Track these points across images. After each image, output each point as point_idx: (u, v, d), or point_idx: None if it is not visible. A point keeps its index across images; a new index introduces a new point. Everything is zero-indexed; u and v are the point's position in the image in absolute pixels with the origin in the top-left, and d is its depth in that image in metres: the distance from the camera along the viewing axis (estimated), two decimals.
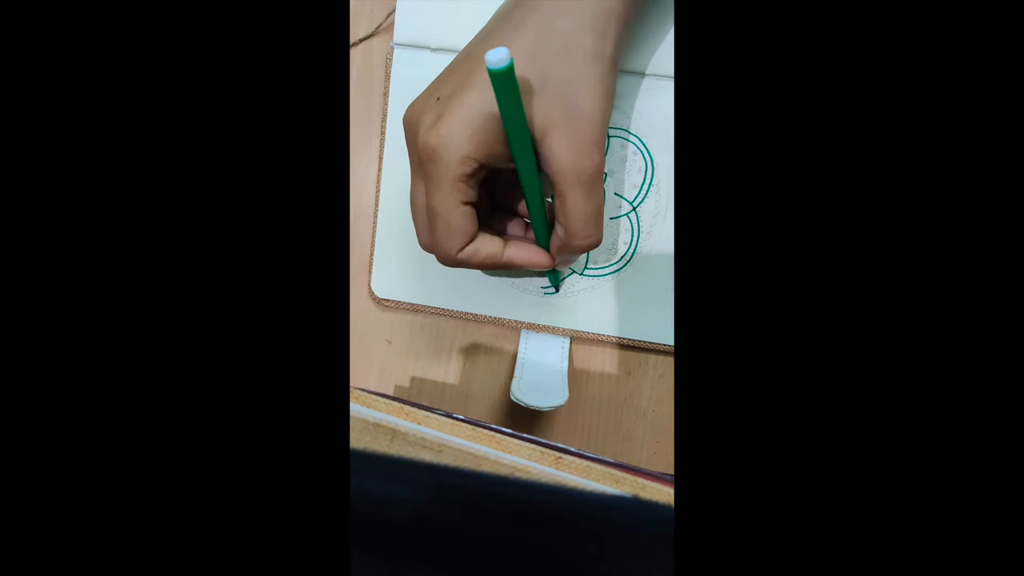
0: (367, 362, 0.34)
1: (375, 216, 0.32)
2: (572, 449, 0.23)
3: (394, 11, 0.31)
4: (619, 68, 0.30)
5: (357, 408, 0.20)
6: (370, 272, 0.33)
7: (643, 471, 0.22)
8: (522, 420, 0.34)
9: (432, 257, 0.30)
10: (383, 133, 0.32)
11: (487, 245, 0.26)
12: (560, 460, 0.20)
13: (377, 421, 0.20)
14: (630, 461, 0.33)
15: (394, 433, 0.20)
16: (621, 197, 0.31)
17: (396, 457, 0.20)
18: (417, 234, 0.26)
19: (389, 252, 0.32)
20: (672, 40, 0.29)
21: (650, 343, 0.32)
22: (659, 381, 0.33)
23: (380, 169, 0.32)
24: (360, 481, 0.19)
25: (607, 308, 0.32)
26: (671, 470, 0.32)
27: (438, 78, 0.25)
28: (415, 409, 0.21)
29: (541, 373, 0.32)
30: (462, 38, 0.26)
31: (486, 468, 0.20)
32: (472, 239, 0.25)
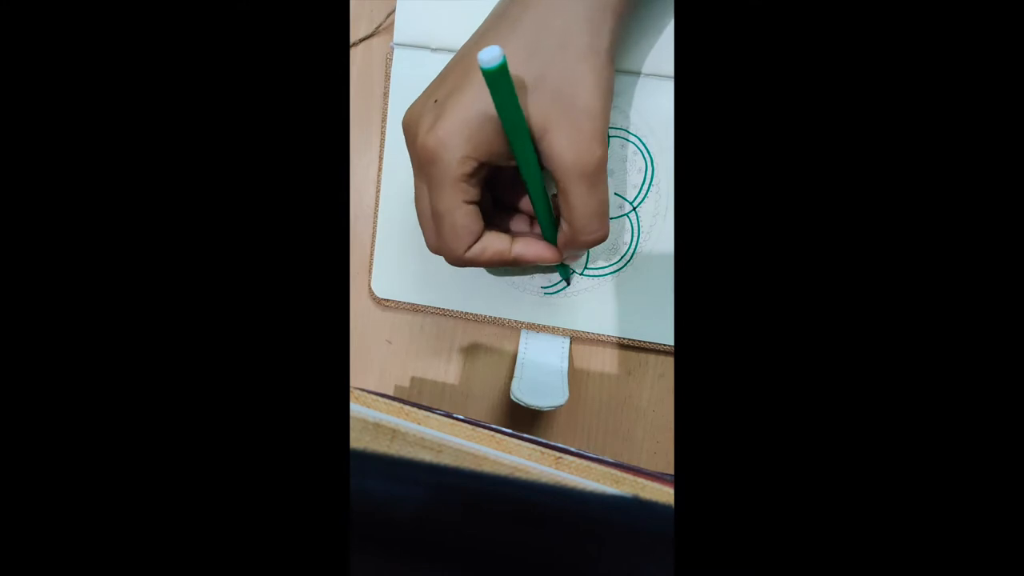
0: (367, 362, 0.34)
1: (375, 216, 0.32)
2: (572, 449, 0.23)
3: (394, 11, 0.31)
4: (620, 68, 0.30)
5: (357, 408, 0.20)
6: (370, 272, 0.33)
7: (643, 471, 0.22)
8: (522, 420, 0.34)
9: (432, 257, 0.30)
10: (383, 133, 0.32)
11: (494, 243, 0.26)
12: (560, 460, 0.20)
13: (377, 421, 0.20)
14: (630, 461, 0.33)
15: (394, 433, 0.20)
16: (621, 197, 0.31)
17: (396, 457, 0.20)
18: (424, 237, 0.26)
19: (389, 252, 0.32)
20: (672, 40, 0.29)
21: (650, 343, 0.32)
22: (659, 381, 0.33)
23: (380, 169, 0.32)
24: (360, 481, 0.19)
25: (607, 308, 0.32)
26: (671, 470, 0.32)
27: (436, 80, 0.25)
28: (415, 409, 0.21)
29: (541, 373, 0.32)
30: (462, 38, 0.26)
31: (486, 468, 0.20)
32: (478, 238, 0.25)
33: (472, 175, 0.24)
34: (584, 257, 0.32)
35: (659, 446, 0.33)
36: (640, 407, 0.33)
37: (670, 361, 0.33)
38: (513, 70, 0.22)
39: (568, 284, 0.32)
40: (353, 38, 0.32)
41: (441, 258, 0.30)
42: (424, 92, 0.25)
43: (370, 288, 0.33)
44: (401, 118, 0.26)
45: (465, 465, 0.20)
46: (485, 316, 0.32)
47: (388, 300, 0.33)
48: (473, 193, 0.24)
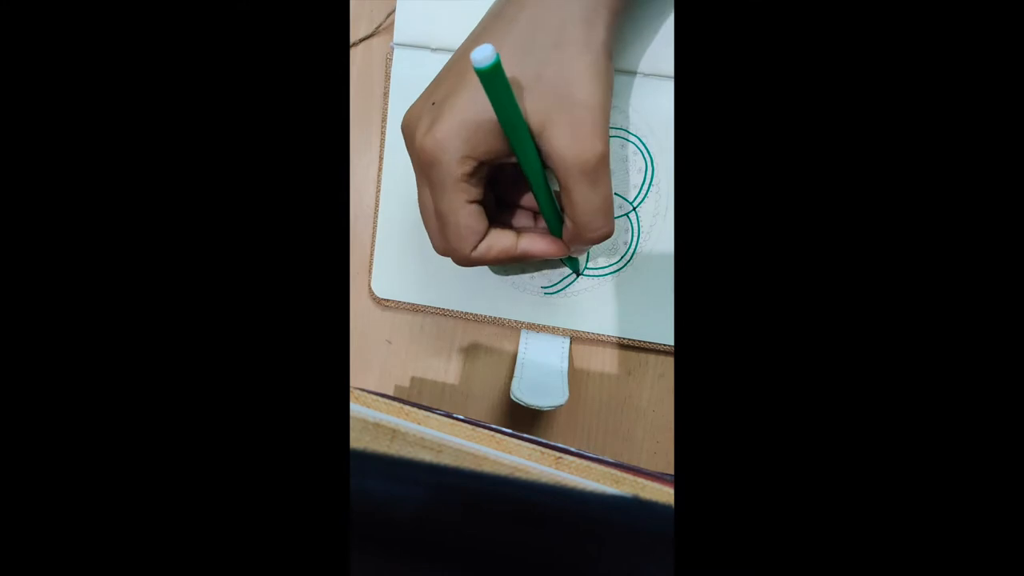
0: (367, 362, 0.34)
1: (375, 216, 0.32)
2: (572, 449, 0.23)
3: (394, 11, 0.31)
4: (620, 68, 0.30)
5: (357, 408, 0.20)
6: (370, 272, 0.33)
7: (643, 471, 0.22)
8: (522, 420, 0.34)
9: (432, 257, 0.30)
10: (383, 133, 0.32)
11: (500, 240, 0.26)
12: (560, 460, 0.20)
13: (377, 421, 0.20)
14: (630, 461, 0.33)
15: (394, 433, 0.20)
16: (621, 197, 0.31)
17: (396, 457, 0.20)
18: (430, 239, 0.26)
19: (389, 252, 0.32)
20: (671, 40, 0.29)
21: (650, 343, 0.32)
22: (659, 381, 0.33)
23: (380, 169, 0.32)
24: (360, 481, 0.19)
25: (607, 308, 0.32)
26: (671, 470, 0.32)
27: (433, 81, 0.25)
28: (415, 409, 0.21)
29: (541, 373, 0.32)
30: (462, 38, 0.26)
31: (486, 468, 0.20)
32: (483, 236, 0.25)
33: (472, 175, 0.23)
34: (584, 257, 0.32)
35: (659, 446, 0.33)
36: (640, 407, 0.33)
37: (670, 361, 0.33)
38: (510, 69, 0.22)
39: (579, 276, 0.32)
40: (353, 38, 0.32)
41: (441, 258, 0.30)
42: (422, 94, 0.25)
43: (370, 288, 0.33)
44: (401, 118, 0.26)
45: (465, 465, 0.20)
46: (485, 316, 0.32)
47: (388, 300, 0.33)
48: (475, 193, 0.24)
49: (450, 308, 0.33)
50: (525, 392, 0.29)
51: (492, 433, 0.21)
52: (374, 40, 0.33)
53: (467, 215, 0.24)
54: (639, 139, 0.30)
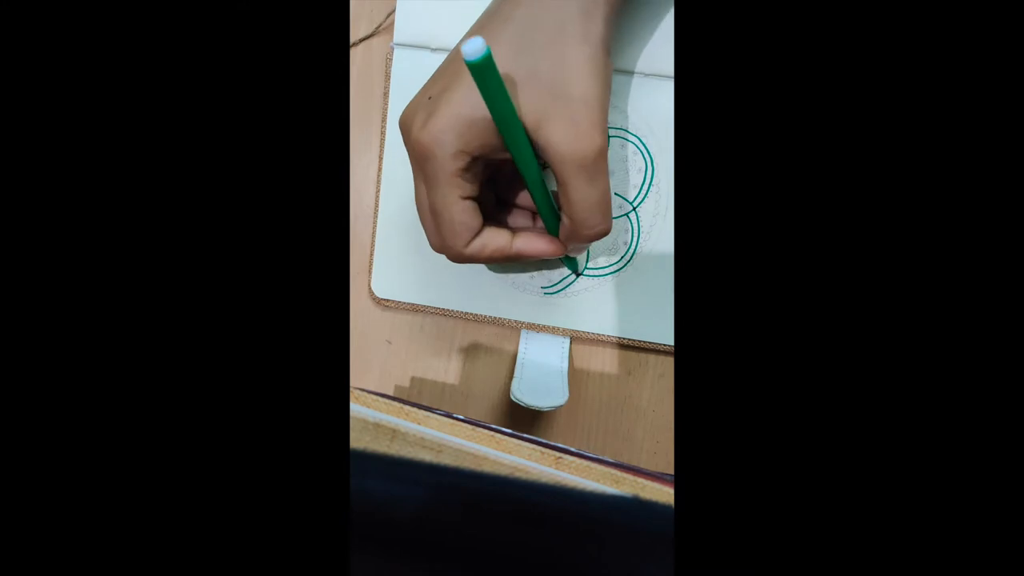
0: (367, 362, 0.34)
1: (375, 216, 0.32)
2: (572, 449, 0.23)
3: (394, 11, 0.31)
4: (620, 68, 0.30)
5: (357, 408, 0.20)
6: (370, 272, 0.33)
7: (643, 471, 0.22)
8: (522, 420, 0.34)
9: (432, 257, 0.30)
10: (383, 133, 0.32)
11: (495, 238, 0.25)
12: (560, 460, 0.20)
13: (377, 421, 0.20)
14: (630, 461, 0.33)
15: (394, 433, 0.20)
16: (621, 197, 0.31)
17: (396, 457, 0.20)
18: (427, 236, 0.26)
19: (389, 252, 0.32)
20: (671, 39, 0.29)
21: (650, 343, 0.32)
22: (659, 381, 0.33)
23: (380, 169, 0.32)
24: (360, 481, 0.19)
25: (607, 308, 0.32)
26: (671, 470, 0.32)
27: (430, 78, 0.25)
28: (415, 409, 0.21)
29: (541, 373, 0.32)
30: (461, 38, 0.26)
31: (486, 468, 0.20)
32: (476, 233, 0.25)
33: (467, 170, 0.23)
34: (584, 257, 0.32)
35: (659, 446, 0.33)
36: (640, 407, 0.33)
37: (670, 361, 0.33)
38: (504, 65, 0.22)
39: (578, 276, 0.32)
40: (353, 38, 0.32)
41: (441, 258, 0.30)
42: (419, 91, 0.25)
43: (370, 288, 0.33)
44: None
45: (465, 465, 0.20)
46: (485, 316, 0.32)
47: (388, 300, 0.33)
48: (469, 189, 0.24)
49: (450, 308, 0.33)
50: (525, 392, 0.29)
51: (492, 433, 0.21)
52: (374, 40, 0.33)
53: (460, 211, 0.24)
54: (639, 139, 0.30)
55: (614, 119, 0.30)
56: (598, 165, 0.23)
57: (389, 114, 0.32)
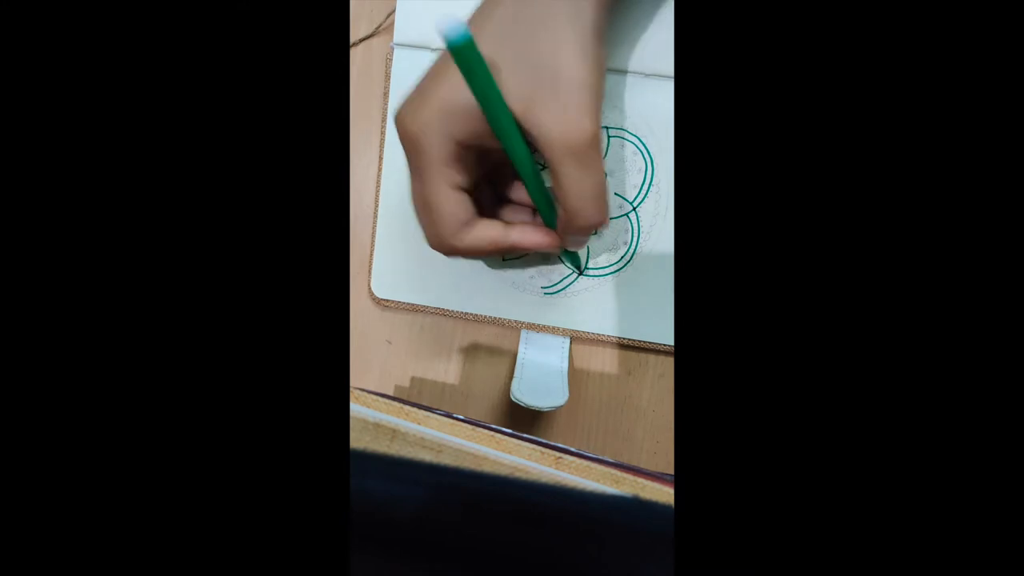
0: (367, 362, 0.34)
1: (375, 216, 0.32)
2: (572, 449, 0.23)
3: (394, 11, 0.31)
4: (620, 68, 0.30)
5: (357, 408, 0.20)
6: (370, 272, 0.33)
7: (643, 471, 0.22)
8: (522, 420, 0.34)
9: (432, 257, 0.30)
10: (383, 133, 0.32)
11: (488, 231, 0.25)
12: (560, 460, 0.20)
13: (377, 421, 0.20)
14: (630, 461, 0.33)
15: (394, 433, 0.20)
16: (621, 197, 0.31)
17: (396, 457, 0.20)
18: (423, 232, 0.26)
19: (389, 252, 0.32)
20: (671, 39, 0.29)
21: (650, 343, 0.32)
22: (659, 381, 0.33)
23: (380, 169, 0.32)
24: (360, 481, 0.19)
25: (607, 308, 0.32)
26: (671, 470, 0.32)
27: (425, 75, 0.25)
28: (415, 409, 0.21)
29: (541, 373, 0.32)
30: None
31: (486, 468, 0.20)
32: (466, 225, 0.24)
33: (457, 159, 0.23)
34: (586, 255, 0.32)
35: (659, 446, 0.33)
36: (640, 407, 0.33)
37: (670, 361, 0.33)
38: (490, 49, 0.21)
39: (580, 274, 0.32)
40: (353, 38, 0.32)
41: (441, 258, 0.30)
42: (415, 87, 0.25)
43: (370, 288, 0.33)
44: None
45: (465, 465, 0.20)
46: (485, 316, 0.32)
47: (388, 300, 0.33)
48: (459, 179, 0.24)
49: (450, 308, 0.32)
50: (525, 392, 0.29)
51: (492, 433, 0.21)
52: (374, 40, 0.33)
53: (450, 201, 0.24)
54: (639, 139, 0.30)
55: (614, 119, 0.30)
56: (590, 152, 0.22)
57: (389, 114, 0.32)
